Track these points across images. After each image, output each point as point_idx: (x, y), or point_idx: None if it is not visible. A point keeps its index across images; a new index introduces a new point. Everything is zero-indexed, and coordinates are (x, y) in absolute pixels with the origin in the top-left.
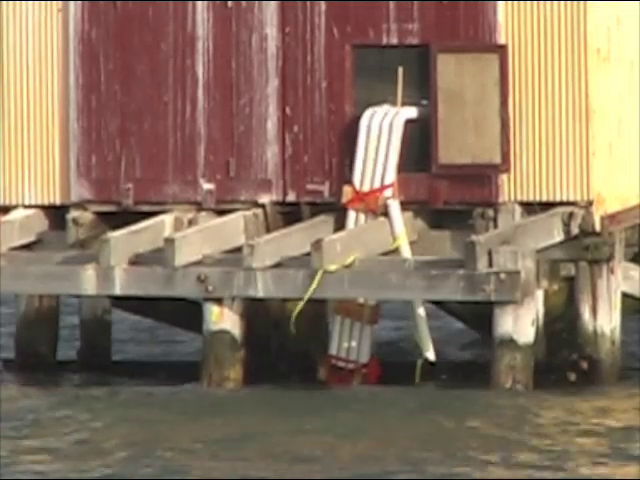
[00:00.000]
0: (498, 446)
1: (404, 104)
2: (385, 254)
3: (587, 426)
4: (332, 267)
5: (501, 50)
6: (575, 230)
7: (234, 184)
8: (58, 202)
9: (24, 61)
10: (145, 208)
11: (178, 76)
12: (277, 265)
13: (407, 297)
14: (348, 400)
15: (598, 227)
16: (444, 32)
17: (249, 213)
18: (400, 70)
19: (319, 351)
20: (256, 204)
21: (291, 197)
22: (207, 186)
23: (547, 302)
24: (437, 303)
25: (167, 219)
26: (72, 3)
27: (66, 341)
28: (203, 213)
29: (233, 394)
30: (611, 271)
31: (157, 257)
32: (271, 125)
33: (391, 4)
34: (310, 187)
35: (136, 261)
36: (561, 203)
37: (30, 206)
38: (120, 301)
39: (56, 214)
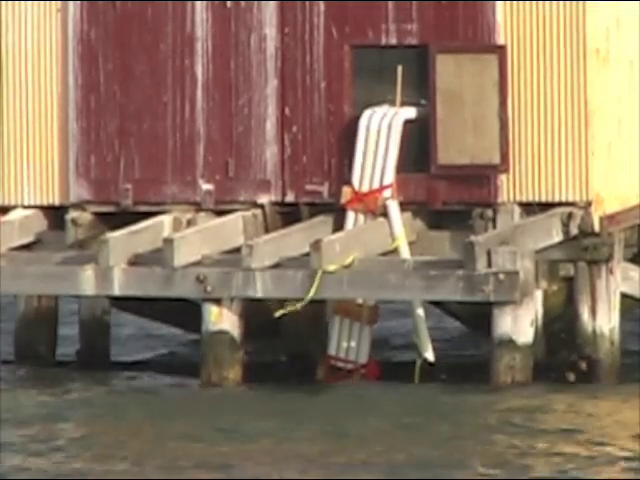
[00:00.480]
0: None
1: (403, 104)
2: (384, 254)
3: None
4: (331, 267)
5: (500, 50)
6: (574, 230)
7: (233, 184)
8: (57, 202)
9: (23, 61)
10: (144, 208)
11: (177, 76)
12: (276, 265)
13: (406, 297)
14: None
15: (597, 227)
16: (443, 32)
17: (248, 213)
18: (399, 68)
19: (318, 351)
20: (255, 204)
21: (290, 197)
22: (206, 186)
23: (546, 302)
24: (436, 303)
25: (166, 219)
26: (71, 3)
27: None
28: (202, 213)
29: (231, 393)
30: (610, 271)
31: (156, 257)
32: (270, 125)
33: (390, 4)
34: (309, 187)
35: (135, 261)
36: (560, 203)
37: (29, 206)
38: (119, 301)
39: (55, 214)
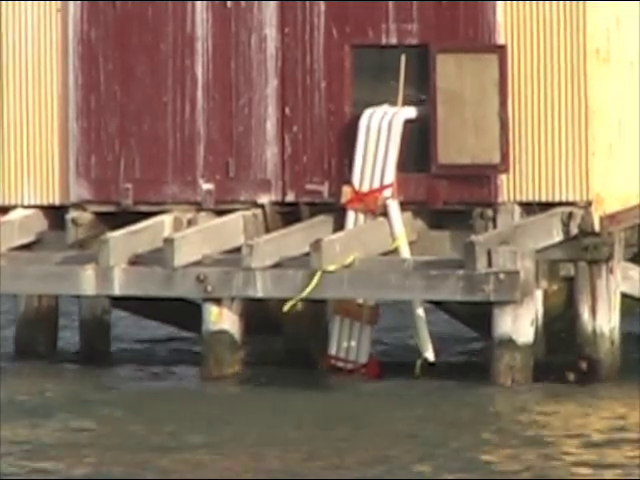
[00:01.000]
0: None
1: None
2: (384, 254)
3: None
4: (331, 267)
5: (500, 50)
6: (574, 230)
7: (233, 184)
8: (57, 202)
9: (23, 61)
10: (144, 208)
11: (177, 76)
12: (276, 265)
13: (406, 297)
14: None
15: (597, 227)
16: (443, 32)
17: (248, 213)
18: (403, 58)
19: (318, 351)
20: (255, 204)
21: (290, 197)
22: (206, 186)
23: (546, 302)
24: (436, 303)
25: (166, 219)
26: (71, 3)
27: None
28: (202, 213)
29: (230, 392)
30: (610, 271)
31: (156, 257)
32: (270, 125)
33: (390, 4)
34: (309, 187)
35: (135, 261)
36: (560, 203)
37: (29, 206)
38: (119, 301)
39: (55, 214)
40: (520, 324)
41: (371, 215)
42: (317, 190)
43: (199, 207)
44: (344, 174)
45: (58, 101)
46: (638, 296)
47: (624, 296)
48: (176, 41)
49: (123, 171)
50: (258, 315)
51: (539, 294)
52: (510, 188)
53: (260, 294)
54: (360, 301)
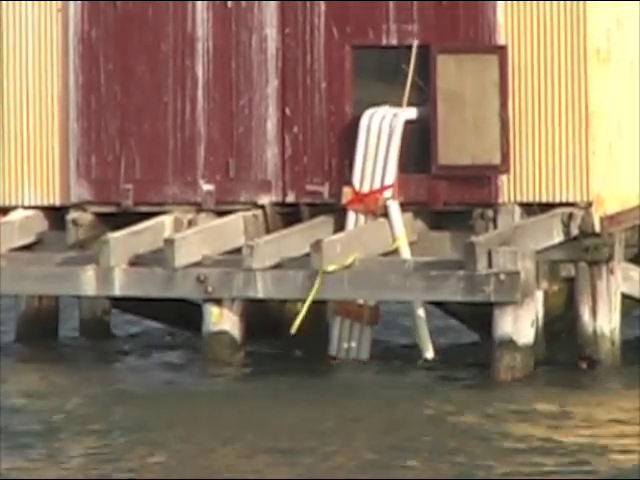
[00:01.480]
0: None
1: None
2: (385, 255)
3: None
4: (332, 268)
5: (501, 51)
6: (575, 231)
7: (234, 185)
8: (58, 203)
9: (24, 61)
10: (145, 209)
11: (178, 77)
12: (277, 266)
13: (407, 298)
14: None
15: (598, 228)
16: (444, 33)
17: (249, 214)
18: (414, 46)
19: (319, 352)
20: (256, 205)
21: (291, 198)
22: (207, 187)
23: (547, 303)
24: (437, 304)
25: (167, 220)
26: (72, 3)
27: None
28: (203, 214)
29: (230, 392)
30: (611, 272)
31: (157, 258)
32: (271, 126)
33: (391, 5)
34: (310, 188)
35: (136, 262)
36: (561, 204)
37: (30, 207)
38: (120, 302)
39: (56, 215)
40: (520, 325)
41: (371, 216)
42: (317, 191)
43: (199, 208)
44: (344, 175)
45: (58, 101)
46: (638, 297)
47: (624, 297)
48: (176, 41)
49: (123, 172)
50: (258, 316)
51: (539, 295)
52: (510, 189)
53: (260, 295)
54: (360, 302)
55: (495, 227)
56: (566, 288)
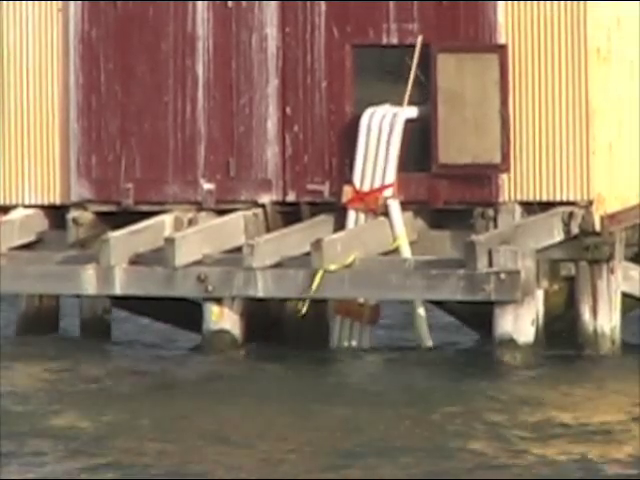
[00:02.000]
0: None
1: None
2: (385, 254)
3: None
4: (332, 267)
5: (501, 50)
6: (575, 230)
7: (234, 184)
8: (58, 202)
9: (24, 61)
10: (145, 208)
11: (178, 76)
12: (277, 265)
13: (407, 297)
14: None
15: (598, 227)
16: (444, 32)
17: (249, 213)
18: (418, 44)
19: (319, 351)
20: (256, 204)
21: (291, 197)
22: (207, 186)
23: (547, 302)
24: (437, 303)
25: (167, 219)
26: (72, 3)
27: None
28: (203, 213)
29: (229, 391)
30: (611, 271)
31: (157, 257)
32: (271, 125)
33: (391, 4)
34: (310, 187)
35: (136, 261)
36: (561, 203)
37: (30, 206)
38: (120, 301)
39: (56, 214)
40: (521, 324)
41: (372, 215)
42: (318, 190)
43: (200, 207)
44: (345, 174)
45: (59, 101)
46: (638, 296)
47: (625, 296)
48: (177, 41)
49: (124, 171)
50: (258, 315)
51: (540, 294)
52: (511, 188)
53: (261, 294)
54: (361, 301)
55: (495, 226)
56: (566, 287)
